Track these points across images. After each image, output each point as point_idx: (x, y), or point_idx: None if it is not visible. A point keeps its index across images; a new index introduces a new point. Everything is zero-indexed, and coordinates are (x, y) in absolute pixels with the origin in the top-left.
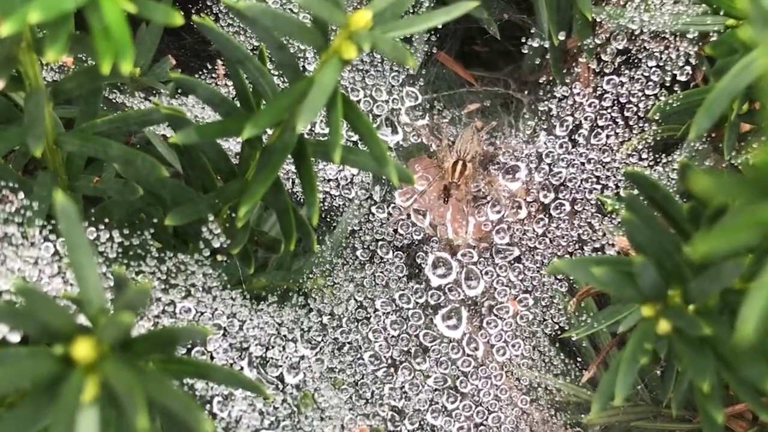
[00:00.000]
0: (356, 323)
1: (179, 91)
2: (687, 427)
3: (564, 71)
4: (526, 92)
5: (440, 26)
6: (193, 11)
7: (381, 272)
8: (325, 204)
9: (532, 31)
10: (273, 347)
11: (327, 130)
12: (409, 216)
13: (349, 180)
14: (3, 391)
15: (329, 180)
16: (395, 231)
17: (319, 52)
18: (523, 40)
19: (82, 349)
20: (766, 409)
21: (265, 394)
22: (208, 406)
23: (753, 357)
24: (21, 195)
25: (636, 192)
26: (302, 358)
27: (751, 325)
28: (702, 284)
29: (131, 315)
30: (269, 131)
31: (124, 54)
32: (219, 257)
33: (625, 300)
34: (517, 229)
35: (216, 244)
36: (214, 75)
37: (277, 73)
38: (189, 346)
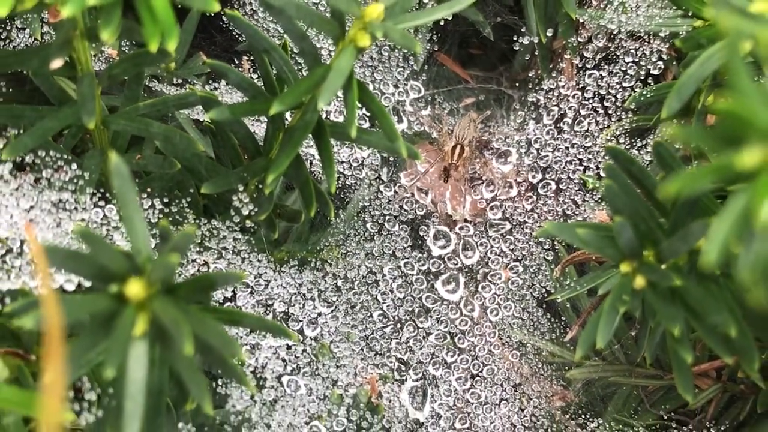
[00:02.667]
0: (367, 286)
1: (210, 81)
2: (658, 383)
3: (550, 67)
4: (516, 89)
5: (440, 27)
6: (223, 11)
7: (388, 243)
8: (339, 182)
9: (522, 30)
10: (294, 304)
11: (340, 119)
12: (413, 194)
13: (359, 162)
14: (68, 320)
15: (342, 162)
16: (401, 207)
17: (336, 41)
18: (515, 39)
19: (134, 289)
20: (729, 352)
21: (292, 335)
22: None
23: (718, 306)
24: (74, 166)
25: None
26: (319, 314)
27: (713, 254)
28: (673, 245)
29: (177, 256)
30: (289, 116)
31: (170, 34)
32: (248, 224)
33: (606, 257)
34: (509, 206)
35: (245, 212)
36: (240, 69)
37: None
38: (220, 302)
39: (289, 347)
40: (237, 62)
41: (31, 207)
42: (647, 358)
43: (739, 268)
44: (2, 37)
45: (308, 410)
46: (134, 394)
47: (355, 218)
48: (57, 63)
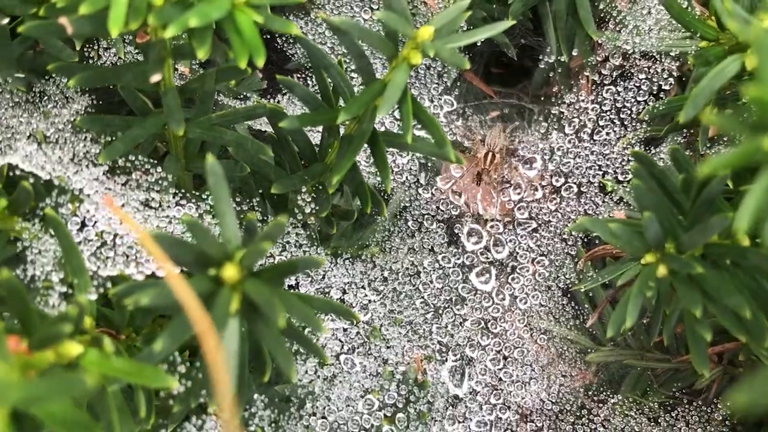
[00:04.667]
0: (409, 277)
1: (267, 96)
2: (666, 365)
3: (570, 83)
4: (536, 103)
5: (469, 48)
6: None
7: (427, 239)
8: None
9: (547, 50)
10: (348, 292)
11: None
12: (448, 196)
13: (400, 168)
14: (176, 300)
15: None
16: (437, 208)
17: (390, 59)
18: (537, 58)
19: (229, 272)
20: (744, 330)
21: (356, 316)
22: None
23: (733, 290)
24: (159, 169)
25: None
26: (370, 301)
27: (745, 221)
28: (692, 237)
29: (269, 243)
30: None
31: (258, 53)
32: (309, 221)
33: (632, 249)
34: (534, 207)
35: (307, 210)
36: None
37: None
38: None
39: (345, 329)
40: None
41: (123, 205)
42: (665, 340)
43: (765, 237)
44: (91, 56)
45: (363, 385)
46: (228, 364)
47: (397, 217)
48: (156, 77)
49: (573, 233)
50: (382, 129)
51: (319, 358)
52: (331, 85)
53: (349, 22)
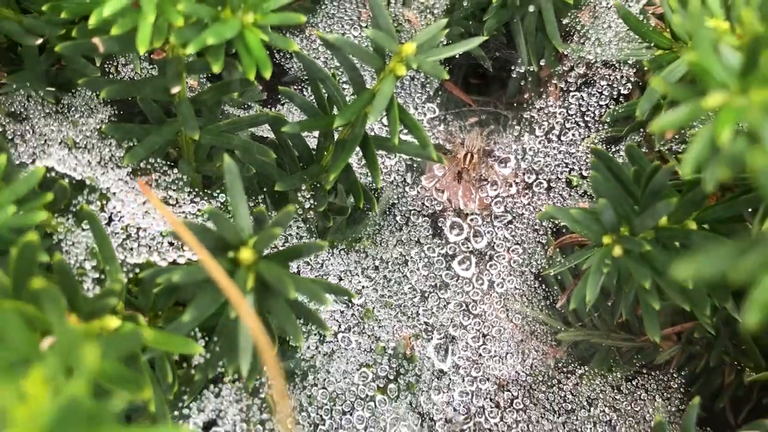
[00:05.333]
0: (398, 266)
1: (266, 106)
2: (630, 344)
3: (540, 91)
4: (510, 110)
5: (449, 61)
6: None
7: (413, 232)
8: (372, 185)
9: (519, 61)
10: (343, 279)
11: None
12: (432, 193)
13: (389, 169)
14: (201, 278)
15: None
16: (423, 204)
17: (378, 71)
18: (513, 68)
19: (245, 254)
20: (689, 300)
21: (351, 295)
22: None
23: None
24: (175, 170)
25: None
26: (363, 287)
27: (689, 167)
28: (643, 221)
29: (279, 229)
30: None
31: (265, 66)
32: (308, 216)
33: (590, 232)
34: (509, 201)
35: (307, 206)
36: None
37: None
38: None
39: (342, 311)
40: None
41: (145, 202)
42: (624, 314)
43: (704, 183)
44: (111, 71)
45: (358, 360)
46: (245, 334)
47: (387, 213)
48: (175, 89)
49: (543, 224)
50: (372, 133)
51: (322, 329)
52: (326, 95)
53: (341, 39)
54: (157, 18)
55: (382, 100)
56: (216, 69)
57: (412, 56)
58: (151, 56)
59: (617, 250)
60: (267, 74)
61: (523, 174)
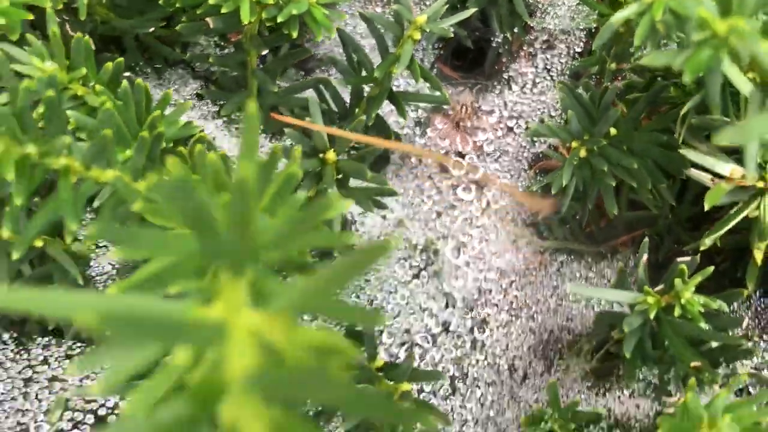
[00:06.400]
0: (417, 193)
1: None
2: (595, 249)
3: (514, 57)
4: (489, 79)
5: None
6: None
7: (426, 169)
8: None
9: (496, 35)
10: None
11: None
12: (436, 141)
13: (402, 126)
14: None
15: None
16: (430, 149)
17: (398, 37)
18: (491, 39)
19: (330, 155)
20: (634, 178)
21: (397, 193)
22: None
23: (626, 155)
24: None
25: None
26: (393, 207)
27: (639, 40)
28: (600, 127)
29: (352, 134)
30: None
31: (330, 30)
32: None
33: (562, 138)
34: (496, 142)
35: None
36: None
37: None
38: None
39: (381, 221)
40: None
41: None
42: (589, 204)
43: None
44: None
45: (397, 255)
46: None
47: (404, 156)
48: (254, 62)
49: (525, 155)
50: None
51: (383, 208)
52: (357, 60)
53: (373, 14)
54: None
55: (406, 56)
56: (294, 35)
57: (425, 23)
58: (230, 38)
59: (582, 152)
60: (332, 34)
61: (506, 120)
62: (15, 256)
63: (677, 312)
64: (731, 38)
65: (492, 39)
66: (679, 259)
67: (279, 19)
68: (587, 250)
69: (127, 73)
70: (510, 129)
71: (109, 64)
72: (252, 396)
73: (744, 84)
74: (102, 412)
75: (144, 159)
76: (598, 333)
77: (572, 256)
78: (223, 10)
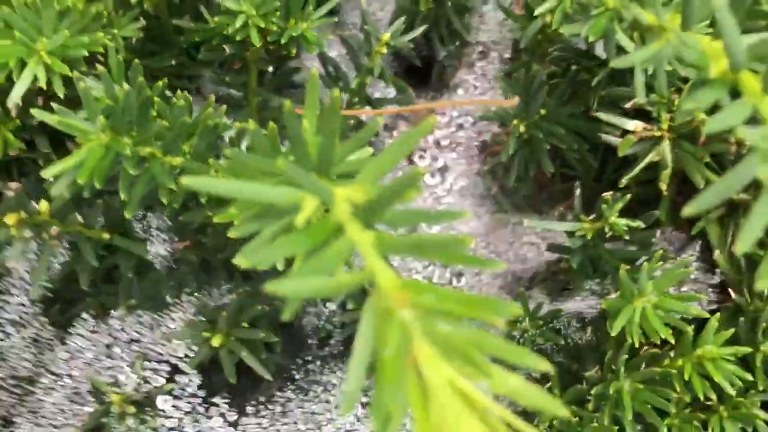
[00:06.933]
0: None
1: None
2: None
3: (456, 69)
4: (436, 92)
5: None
6: None
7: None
8: None
9: (439, 54)
10: None
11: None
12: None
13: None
14: None
15: None
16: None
17: (367, 53)
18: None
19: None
20: (563, 141)
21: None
22: None
23: (553, 123)
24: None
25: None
26: None
27: (557, 20)
28: (532, 108)
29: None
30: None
31: (321, 47)
32: None
33: (508, 118)
34: (451, 137)
35: None
36: None
37: None
38: None
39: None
40: None
41: None
42: (531, 173)
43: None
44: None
45: None
46: None
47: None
48: (252, 81)
49: (475, 144)
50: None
51: None
52: (335, 75)
53: (349, 35)
54: (261, 29)
55: (377, 67)
56: (293, 53)
57: (389, 39)
58: (233, 63)
59: (522, 127)
60: (323, 49)
61: (456, 119)
62: (128, 215)
63: (608, 233)
64: (618, 8)
65: (436, 56)
66: (603, 194)
67: (282, 41)
68: (533, 215)
69: None
70: (460, 126)
71: (159, 83)
72: (357, 222)
73: (628, 43)
74: (174, 361)
75: (205, 146)
76: (551, 261)
77: (522, 221)
78: (238, 38)
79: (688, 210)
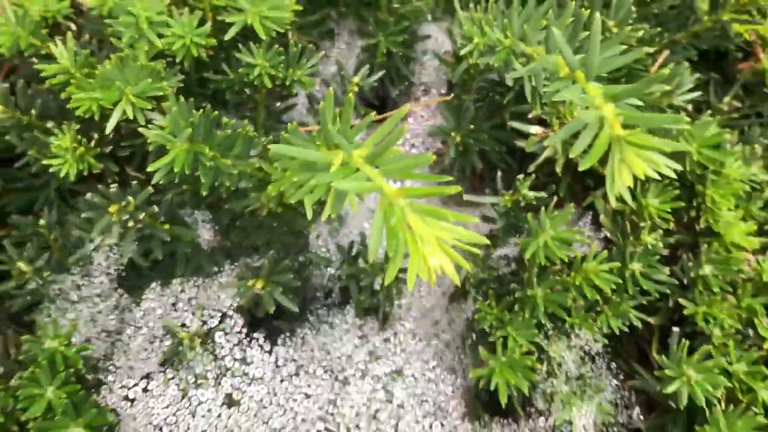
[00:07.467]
0: None
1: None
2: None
3: (409, 102)
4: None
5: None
6: None
7: None
8: None
9: (393, 92)
10: None
11: None
12: None
13: None
14: None
15: None
16: None
17: (343, 90)
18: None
19: None
20: (479, 160)
21: None
22: None
23: (481, 120)
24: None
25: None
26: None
27: (476, 58)
28: (464, 124)
29: None
30: None
31: (311, 86)
32: None
33: (446, 133)
34: (406, 152)
35: None
36: None
37: None
38: None
39: None
40: None
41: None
42: (467, 172)
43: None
44: None
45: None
46: None
47: None
48: (261, 116)
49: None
50: None
51: None
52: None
53: (331, 87)
54: (270, 76)
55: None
56: (294, 92)
57: (359, 81)
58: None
59: (458, 137)
60: (313, 88)
61: (410, 139)
62: (204, 192)
63: (522, 202)
64: (512, 45)
65: (390, 94)
66: (517, 176)
67: (287, 83)
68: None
69: None
70: (413, 145)
71: (214, 113)
72: (367, 165)
73: (520, 68)
74: (224, 310)
75: (245, 149)
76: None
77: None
78: (255, 83)
79: (571, 155)
